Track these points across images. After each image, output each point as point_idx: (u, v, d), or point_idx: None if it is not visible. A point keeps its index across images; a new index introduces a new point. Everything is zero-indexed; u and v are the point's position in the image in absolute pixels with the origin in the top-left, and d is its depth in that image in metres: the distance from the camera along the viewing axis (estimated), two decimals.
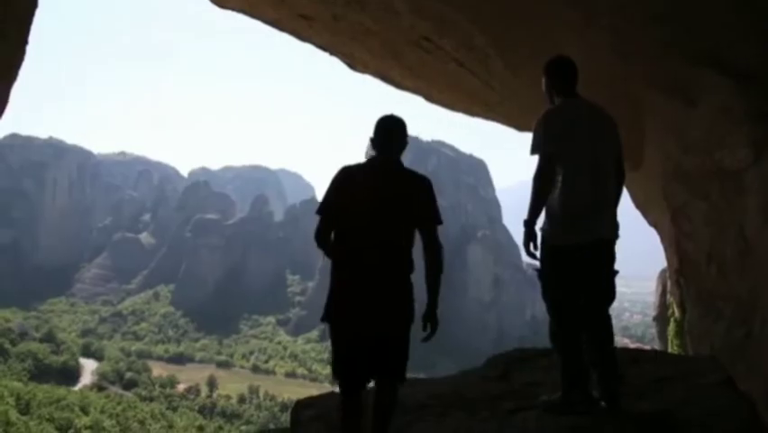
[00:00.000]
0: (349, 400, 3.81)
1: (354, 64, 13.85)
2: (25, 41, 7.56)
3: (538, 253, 4.42)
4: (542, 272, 4.50)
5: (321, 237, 3.93)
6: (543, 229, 4.47)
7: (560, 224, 4.37)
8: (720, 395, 4.33)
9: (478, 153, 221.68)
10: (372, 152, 4.05)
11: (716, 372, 4.76)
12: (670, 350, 14.69)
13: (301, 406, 4.90)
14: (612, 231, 4.50)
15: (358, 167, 3.96)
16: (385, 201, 3.76)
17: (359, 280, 3.72)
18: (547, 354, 5.26)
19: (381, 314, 3.68)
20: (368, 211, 3.76)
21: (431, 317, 3.78)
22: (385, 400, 3.80)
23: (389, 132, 3.94)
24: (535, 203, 4.33)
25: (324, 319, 3.89)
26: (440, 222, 3.88)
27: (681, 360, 6.24)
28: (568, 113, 4.48)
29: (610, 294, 4.45)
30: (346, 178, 3.88)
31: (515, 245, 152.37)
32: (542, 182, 4.32)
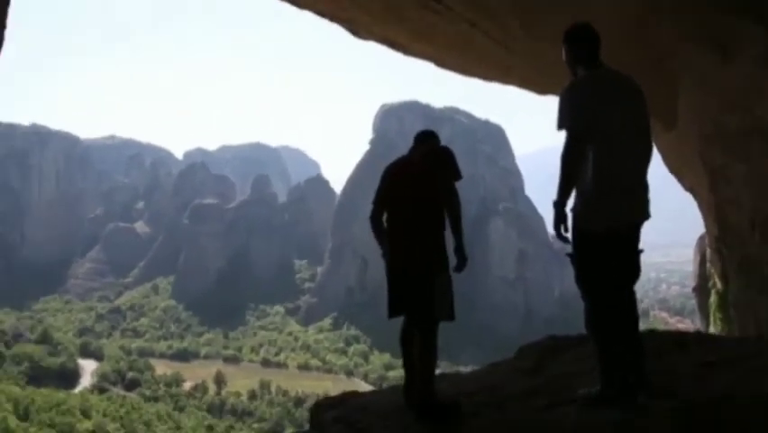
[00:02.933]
0: (402, 330, 5.11)
1: (357, 30, 13.76)
2: (2, 26, 7.58)
3: (569, 236, 4.43)
4: (575, 257, 4.51)
5: (374, 219, 5.29)
6: (574, 211, 4.45)
7: (594, 207, 4.37)
8: None
9: (495, 119, 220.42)
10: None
11: (765, 355, 4.72)
12: (712, 324, 14.68)
13: (322, 407, 4.96)
14: (646, 212, 4.53)
15: (396, 162, 5.36)
16: (414, 184, 5.05)
17: (404, 241, 5.04)
18: (581, 341, 5.26)
19: (412, 264, 4.96)
20: (404, 194, 5.08)
21: (459, 251, 5.01)
22: (419, 340, 4.86)
23: (418, 136, 5.41)
24: (566, 183, 4.33)
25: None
26: (457, 178, 5.11)
27: (727, 342, 6.18)
28: (595, 85, 4.45)
29: (638, 273, 4.56)
30: (388, 172, 5.31)
31: (539, 217, 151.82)
32: (572, 161, 4.31)
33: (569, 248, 4.53)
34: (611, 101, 4.38)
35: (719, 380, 4.39)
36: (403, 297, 5.00)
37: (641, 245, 4.58)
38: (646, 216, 4.53)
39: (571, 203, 4.46)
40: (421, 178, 5.04)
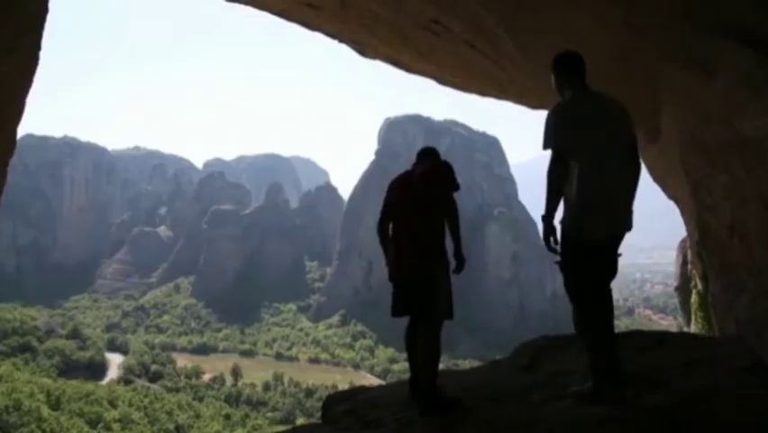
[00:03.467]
0: (407, 329, 5.15)
1: (364, 50, 13.76)
2: (38, 48, 7.61)
3: (558, 247, 4.47)
4: (563, 265, 4.54)
5: (380, 229, 5.36)
6: (563, 222, 4.50)
7: (579, 219, 4.42)
8: (749, 380, 4.30)
9: (490, 130, 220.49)
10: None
11: (744, 355, 4.71)
12: (694, 322, 14.60)
13: (334, 400, 4.96)
14: (627, 225, 4.55)
15: (400, 177, 5.43)
16: (416, 197, 5.12)
17: (408, 247, 5.09)
18: (572, 341, 5.26)
19: (414, 267, 5.02)
20: (407, 206, 5.16)
21: (458, 255, 5.10)
22: (421, 337, 4.88)
23: (420, 153, 5.51)
24: (552, 197, 4.41)
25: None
26: (455, 189, 5.18)
27: (708, 342, 6.18)
28: (579, 106, 4.51)
29: (616, 272, 4.59)
30: (393, 184, 5.41)
31: (532, 222, 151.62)
32: (556, 177, 4.38)
33: (559, 259, 4.55)
34: (594, 122, 4.44)
35: (702, 377, 4.38)
36: (407, 298, 5.05)
37: (621, 249, 4.62)
38: (627, 228, 4.55)
39: (560, 215, 4.51)
40: (422, 190, 5.11)
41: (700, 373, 4.50)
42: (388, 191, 5.40)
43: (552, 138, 4.41)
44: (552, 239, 4.44)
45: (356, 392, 5.11)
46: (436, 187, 5.13)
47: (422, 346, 4.85)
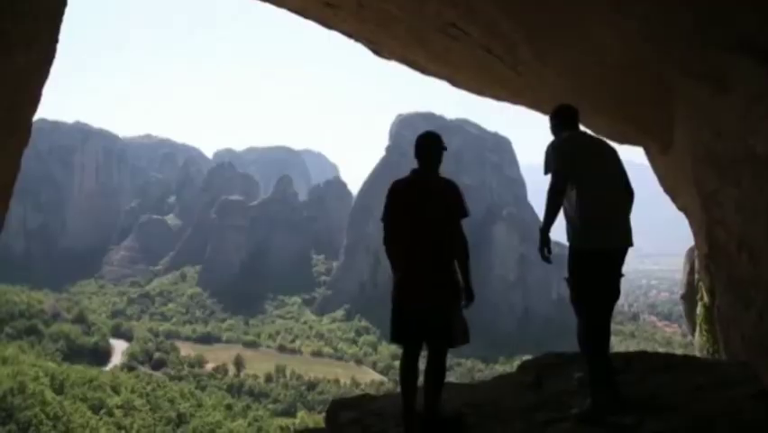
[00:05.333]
0: (407, 358, 4.81)
1: (380, 51, 13.74)
2: (56, 40, 7.63)
3: (551, 257, 4.87)
4: (570, 280, 4.93)
5: (387, 243, 4.95)
6: (569, 240, 5.00)
7: (586, 231, 4.91)
8: (754, 407, 4.30)
9: (502, 131, 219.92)
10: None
11: (751, 381, 4.73)
12: (698, 334, 14.57)
13: (338, 406, 4.98)
14: (627, 240, 5.01)
15: (402, 182, 5.00)
16: (424, 209, 4.79)
17: (413, 270, 4.80)
18: (577, 358, 5.29)
19: (428, 292, 4.72)
20: (413, 218, 4.80)
21: (467, 291, 4.84)
22: (434, 364, 4.71)
23: (423, 147, 5.03)
24: (550, 214, 4.92)
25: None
26: (465, 215, 4.89)
27: (713, 367, 6.18)
28: (573, 141, 5.17)
29: (618, 294, 5.00)
30: (394, 192, 4.94)
31: (540, 224, 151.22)
32: (556, 196, 4.89)
33: (566, 253, 4.94)
34: (586, 152, 5.12)
35: (706, 403, 4.40)
36: (414, 325, 4.75)
37: (625, 269, 5.09)
38: (628, 243, 5.02)
39: (561, 231, 5.06)
40: (440, 207, 4.81)
41: (705, 398, 4.52)
42: (390, 199, 4.92)
43: (553, 163, 4.96)
44: (546, 249, 4.92)
45: (361, 401, 5.13)
46: (453, 208, 4.84)
47: (433, 372, 4.67)
